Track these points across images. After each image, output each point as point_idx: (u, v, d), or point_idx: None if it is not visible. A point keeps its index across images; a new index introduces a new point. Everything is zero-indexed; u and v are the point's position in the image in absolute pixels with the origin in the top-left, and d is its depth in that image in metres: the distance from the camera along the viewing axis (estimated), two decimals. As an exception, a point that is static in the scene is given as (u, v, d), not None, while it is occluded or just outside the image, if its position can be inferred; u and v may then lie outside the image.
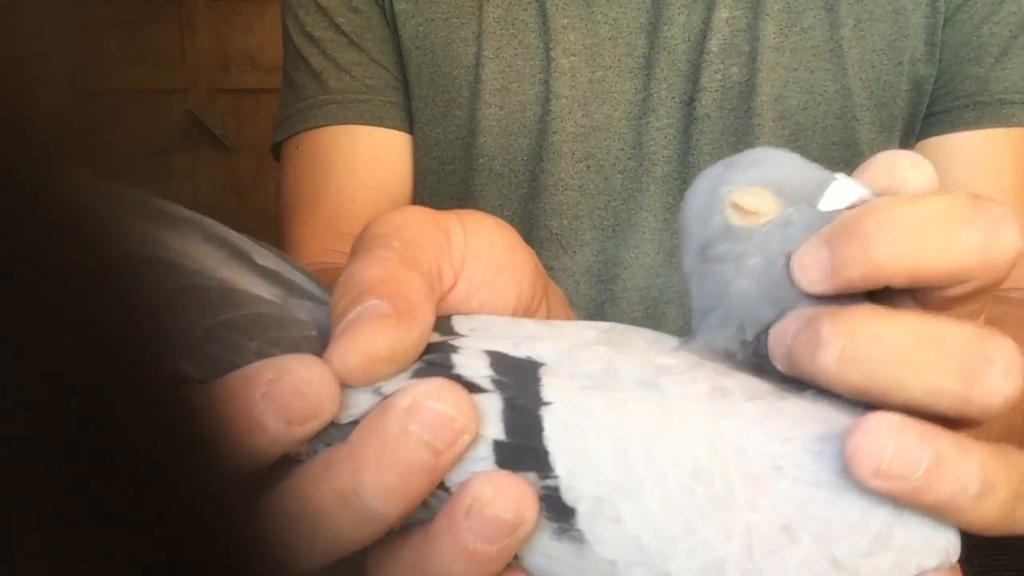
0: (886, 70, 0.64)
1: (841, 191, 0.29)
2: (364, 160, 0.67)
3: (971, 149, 0.67)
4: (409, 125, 0.69)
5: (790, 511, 0.26)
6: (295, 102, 0.72)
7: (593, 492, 0.27)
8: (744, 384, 0.28)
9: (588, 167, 0.65)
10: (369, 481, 0.25)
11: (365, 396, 0.27)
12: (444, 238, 0.30)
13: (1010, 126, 0.66)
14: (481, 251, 0.30)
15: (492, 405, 0.27)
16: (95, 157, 0.20)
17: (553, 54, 0.64)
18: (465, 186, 0.66)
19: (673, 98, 0.65)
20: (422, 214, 0.30)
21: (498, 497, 0.25)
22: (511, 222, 0.40)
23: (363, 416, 0.26)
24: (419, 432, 0.25)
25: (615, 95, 0.65)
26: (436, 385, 0.26)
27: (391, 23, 0.68)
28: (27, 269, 0.16)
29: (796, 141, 0.64)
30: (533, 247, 0.33)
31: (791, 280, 0.28)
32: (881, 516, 0.26)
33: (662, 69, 0.65)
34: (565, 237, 0.65)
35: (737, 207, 0.30)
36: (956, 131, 0.66)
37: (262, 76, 2.49)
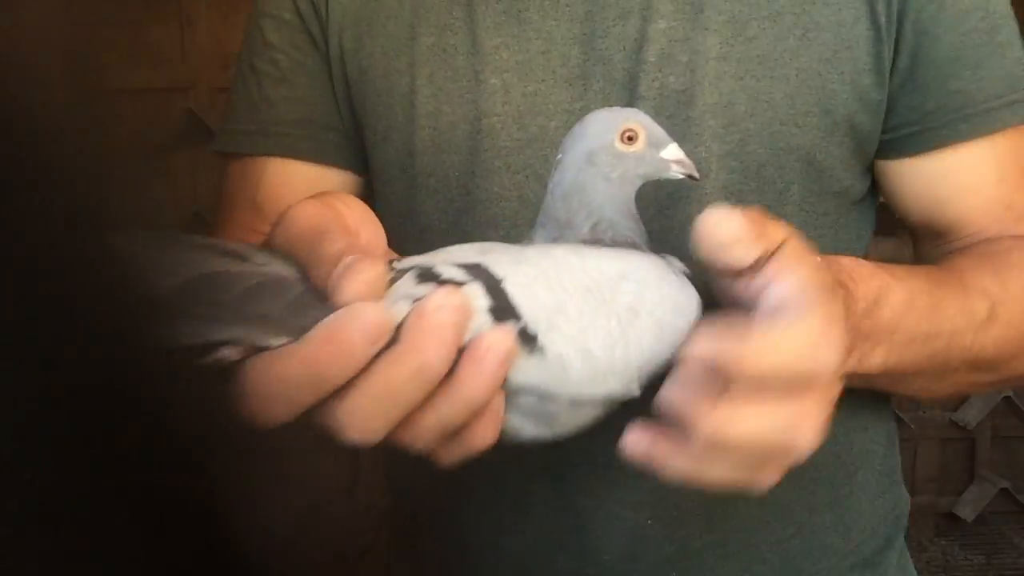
0: (830, 78, 0.66)
1: (674, 150, 0.50)
2: (274, 186, 0.76)
3: (968, 160, 0.70)
4: (334, 159, 0.76)
5: (632, 299, 0.46)
6: (231, 123, 0.81)
7: (543, 318, 0.44)
8: (595, 247, 0.49)
9: (526, 177, 0.67)
10: (431, 352, 0.41)
11: (402, 305, 0.43)
12: (344, 217, 0.47)
13: (996, 130, 0.69)
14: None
15: (477, 288, 0.44)
16: (96, 156, 0.20)
17: (483, 76, 0.68)
18: (407, 204, 0.71)
19: (610, 107, 0.63)
20: (319, 203, 0.47)
21: (498, 342, 0.42)
22: (448, 235, 0.63)
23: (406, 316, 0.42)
24: (450, 317, 0.41)
25: (550, 107, 0.67)
26: (446, 291, 0.42)
27: (336, 61, 0.73)
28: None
29: (745, 147, 0.66)
30: None
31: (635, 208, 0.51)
32: (678, 297, 0.48)
33: (598, 80, 0.67)
34: None
35: (626, 134, 0.50)
36: (950, 145, 0.69)
37: (262, 75, 2.48)
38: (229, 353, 0.40)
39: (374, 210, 0.59)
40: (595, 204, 0.49)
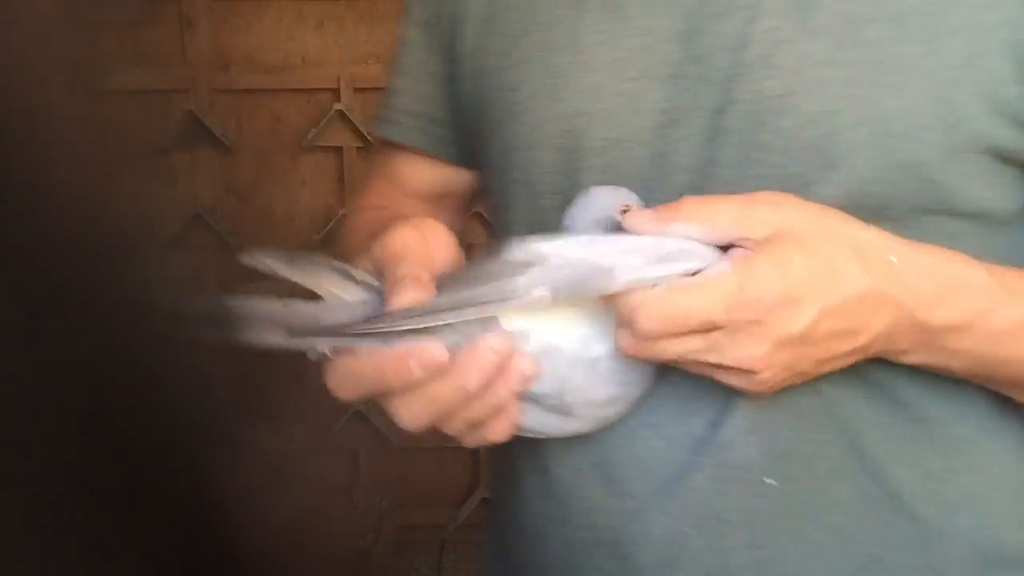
0: (960, 89, 0.60)
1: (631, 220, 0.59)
2: (397, 165, 0.88)
3: None
4: (444, 152, 0.84)
5: (642, 267, 0.54)
6: (381, 106, 0.89)
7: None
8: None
9: (611, 179, 0.67)
10: (473, 379, 0.54)
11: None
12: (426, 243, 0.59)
13: None
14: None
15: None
16: (96, 158, 0.20)
17: (578, 73, 0.68)
18: (503, 200, 0.74)
19: (701, 108, 0.64)
20: (410, 229, 0.59)
21: (522, 365, 0.56)
22: (544, 231, 0.64)
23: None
24: (495, 358, 0.54)
25: (641, 107, 0.66)
26: (499, 337, 0.55)
27: (461, 59, 0.77)
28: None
29: (845, 160, 0.61)
30: None
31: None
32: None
33: (692, 80, 0.64)
34: None
35: (623, 213, 0.59)
36: None
37: (262, 76, 2.49)
38: (321, 350, 0.55)
39: (488, 207, 0.68)
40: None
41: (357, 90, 2.49)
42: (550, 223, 0.68)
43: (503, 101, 0.72)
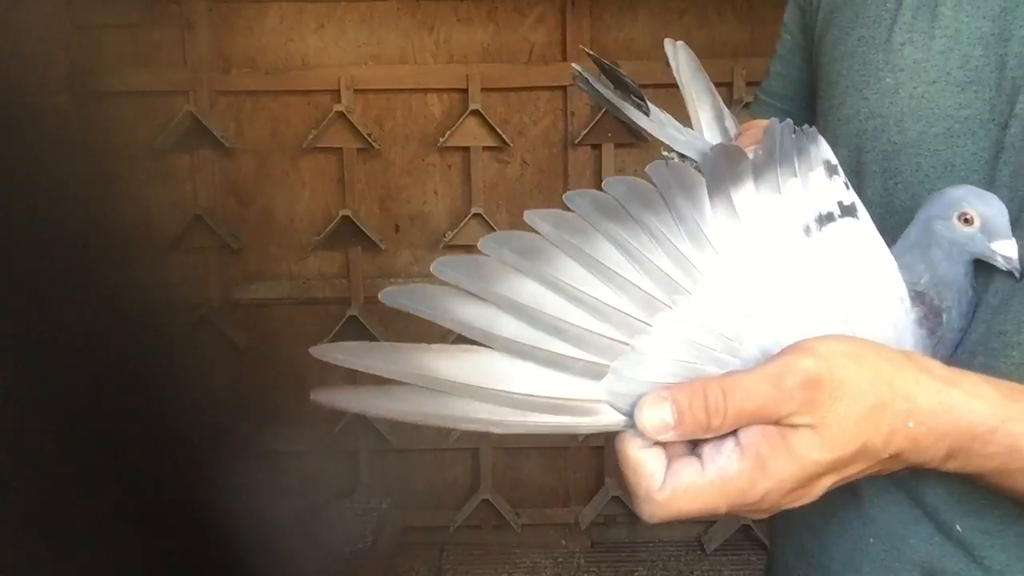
0: None
1: (1008, 247, 0.56)
2: None
3: None
4: None
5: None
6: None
7: None
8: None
9: (896, 184, 0.64)
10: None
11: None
12: None
13: None
14: None
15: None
16: (97, 159, 0.20)
17: (882, 72, 0.66)
18: None
19: (992, 119, 0.60)
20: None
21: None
22: None
23: None
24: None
25: (934, 111, 0.63)
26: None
27: (815, 46, 0.77)
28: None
29: None
30: None
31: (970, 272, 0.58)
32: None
33: (990, 87, 0.60)
34: None
35: (963, 216, 0.56)
36: None
37: (262, 78, 2.49)
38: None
39: None
40: (929, 262, 0.58)
41: (357, 91, 2.49)
42: None
43: (828, 93, 0.71)
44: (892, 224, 0.62)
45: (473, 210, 2.49)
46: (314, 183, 2.57)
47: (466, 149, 2.52)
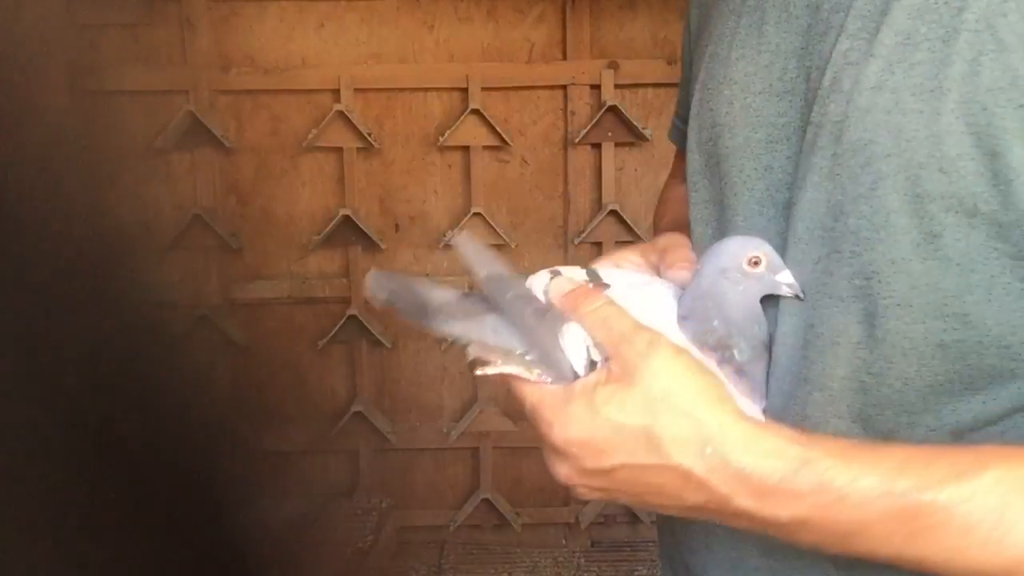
0: (1000, 114, 0.55)
1: (788, 276, 0.64)
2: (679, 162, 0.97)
3: None
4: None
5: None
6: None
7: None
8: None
9: (725, 185, 0.72)
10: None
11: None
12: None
13: None
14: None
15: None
16: (97, 159, 0.20)
17: (723, 85, 0.73)
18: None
19: (802, 126, 0.65)
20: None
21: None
22: (695, 227, 0.77)
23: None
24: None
25: (758, 119, 0.69)
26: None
27: (687, 66, 0.88)
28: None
29: (876, 190, 0.59)
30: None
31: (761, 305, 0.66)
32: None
33: (799, 97, 0.66)
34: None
35: (752, 259, 0.64)
36: None
37: (262, 77, 2.49)
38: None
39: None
40: (725, 307, 0.65)
41: (357, 91, 2.49)
42: (692, 221, 0.78)
43: (693, 106, 0.79)
44: (724, 221, 0.72)
45: (473, 209, 2.49)
46: (314, 182, 2.57)
47: (466, 148, 2.52)
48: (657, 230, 0.83)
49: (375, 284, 0.67)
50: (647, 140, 2.50)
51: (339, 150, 2.52)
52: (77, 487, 0.18)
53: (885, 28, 0.59)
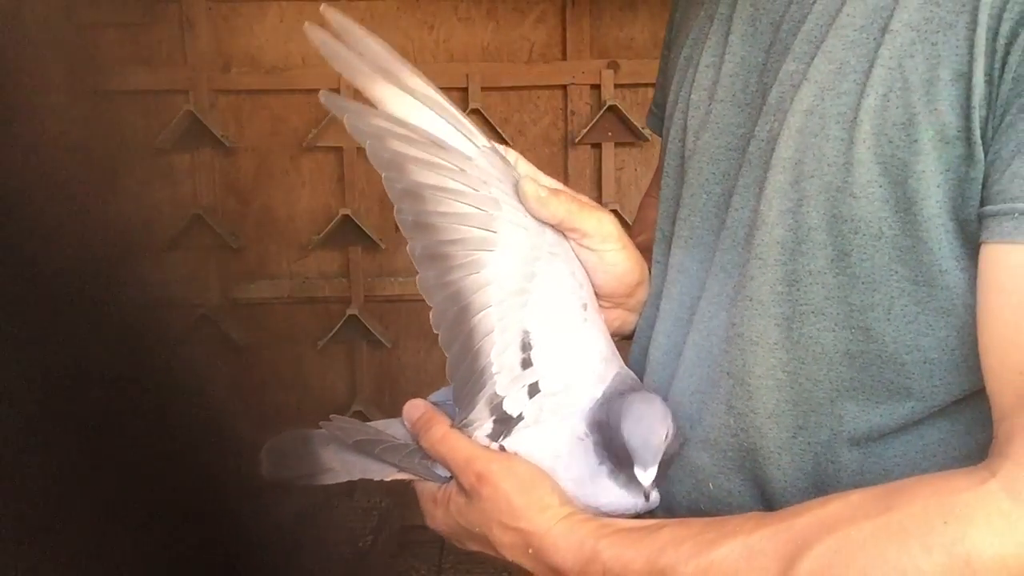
0: (901, 147, 0.59)
1: (645, 475, 0.68)
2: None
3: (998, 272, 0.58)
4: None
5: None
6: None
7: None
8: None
9: (683, 186, 0.76)
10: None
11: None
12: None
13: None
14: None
15: None
16: (97, 158, 0.20)
17: (693, 90, 0.76)
18: (656, 187, 0.89)
19: (758, 137, 0.68)
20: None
21: None
22: (662, 224, 0.81)
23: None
24: None
25: (719, 125, 0.73)
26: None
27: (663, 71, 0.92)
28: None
29: (800, 207, 0.63)
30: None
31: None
32: None
33: (756, 110, 0.69)
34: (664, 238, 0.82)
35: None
36: (992, 241, 0.57)
37: (262, 77, 2.49)
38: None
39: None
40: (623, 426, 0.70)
41: (357, 91, 2.49)
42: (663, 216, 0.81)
43: (668, 106, 0.83)
44: (680, 219, 0.76)
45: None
46: (314, 182, 2.57)
47: (466, 148, 2.52)
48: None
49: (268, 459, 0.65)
50: (647, 140, 2.50)
51: (339, 150, 2.52)
52: (77, 487, 0.18)
53: (820, 55, 0.63)
